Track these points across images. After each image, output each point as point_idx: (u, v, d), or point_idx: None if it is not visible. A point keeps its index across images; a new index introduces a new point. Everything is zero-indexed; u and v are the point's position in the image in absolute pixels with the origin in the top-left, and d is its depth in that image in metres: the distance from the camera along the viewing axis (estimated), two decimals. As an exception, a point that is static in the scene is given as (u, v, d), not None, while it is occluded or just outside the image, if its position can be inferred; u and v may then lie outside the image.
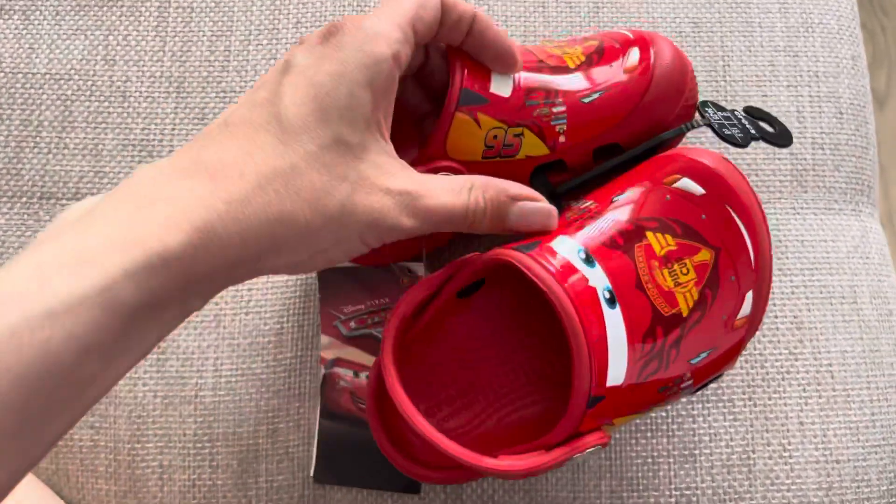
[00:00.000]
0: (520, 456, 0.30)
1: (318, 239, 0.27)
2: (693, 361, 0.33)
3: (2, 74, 0.46)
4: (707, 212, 0.33)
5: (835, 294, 0.44)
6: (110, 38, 0.47)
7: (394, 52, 0.29)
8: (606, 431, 0.31)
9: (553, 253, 0.30)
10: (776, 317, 0.43)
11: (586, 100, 0.35)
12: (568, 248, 0.31)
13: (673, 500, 0.41)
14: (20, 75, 0.46)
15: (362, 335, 0.41)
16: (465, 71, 0.33)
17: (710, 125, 0.35)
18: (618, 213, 0.32)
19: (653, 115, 0.36)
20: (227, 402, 0.42)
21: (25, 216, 0.44)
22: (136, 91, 0.46)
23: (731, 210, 0.33)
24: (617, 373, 0.30)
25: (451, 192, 0.29)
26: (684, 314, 0.31)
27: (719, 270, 0.32)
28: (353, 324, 0.41)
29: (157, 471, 0.41)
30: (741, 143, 0.35)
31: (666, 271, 0.31)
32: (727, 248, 0.33)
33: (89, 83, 0.46)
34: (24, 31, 0.47)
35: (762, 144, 0.46)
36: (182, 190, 0.25)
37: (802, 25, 0.48)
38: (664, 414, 0.42)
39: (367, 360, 0.41)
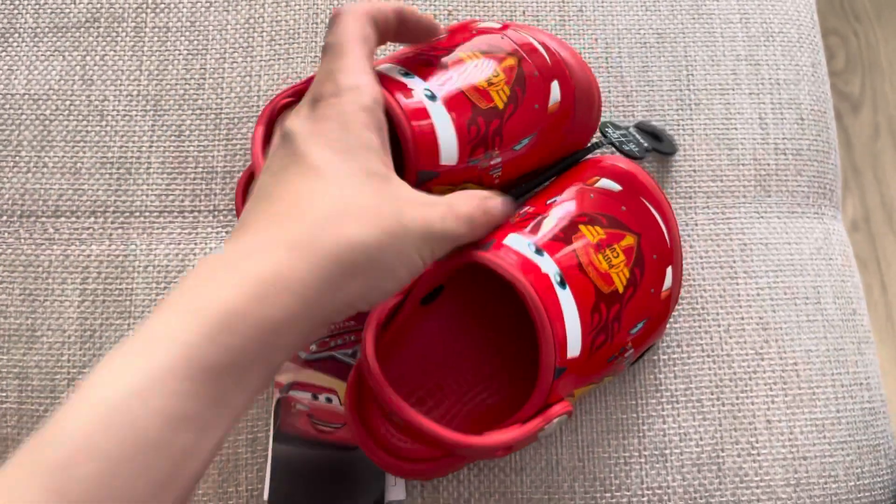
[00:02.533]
0: (501, 430, 0.33)
1: (383, 257, 0.28)
2: (632, 332, 0.38)
3: (-19, 96, 0.47)
4: (626, 204, 0.39)
5: (799, 295, 0.45)
6: (88, 58, 0.48)
7: (375, 98, 0.31)
8: (570, 402, 0.35)
9: (508, 248, 0.35)
10: (742, 318, 0.44)
11: (517, 147, 0.38)
12: (519, 243, 0.35)
13: (645, 499, 0.41)
14: (-1, 96, 0.47)
15: (322, 357, 0.41)
16: (418, 151, 0.34)
17: (612, 143, 0.43)
18: (554, 213, 0.38)
19: (571, 147, 0.42)
20: (207, 413, 0.42)
21: (6, 234, 0.45)
22: (113, 110, 0.47)
23: (644, 201, 0.40)
24: (574, 346, 0.34)
25: (465, 201, 0.33)
26: (620, 290, 0.37)
27: (643, 251, 0.38)
28: (313, 346, 0.41)
29: (139, 482, 0.41)
30: (639, 157, 0.43)
31: (601, 255, 0.37)
32: (646, 232, 0.39)
33: (67, 103, 0.47)
34: (3, 53, 0.48)
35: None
36: (239, 251, 0.26)
37: (763, 35, 0.50)
38: (635, 415, 0.43)
39: (327, 381, 0.41)
